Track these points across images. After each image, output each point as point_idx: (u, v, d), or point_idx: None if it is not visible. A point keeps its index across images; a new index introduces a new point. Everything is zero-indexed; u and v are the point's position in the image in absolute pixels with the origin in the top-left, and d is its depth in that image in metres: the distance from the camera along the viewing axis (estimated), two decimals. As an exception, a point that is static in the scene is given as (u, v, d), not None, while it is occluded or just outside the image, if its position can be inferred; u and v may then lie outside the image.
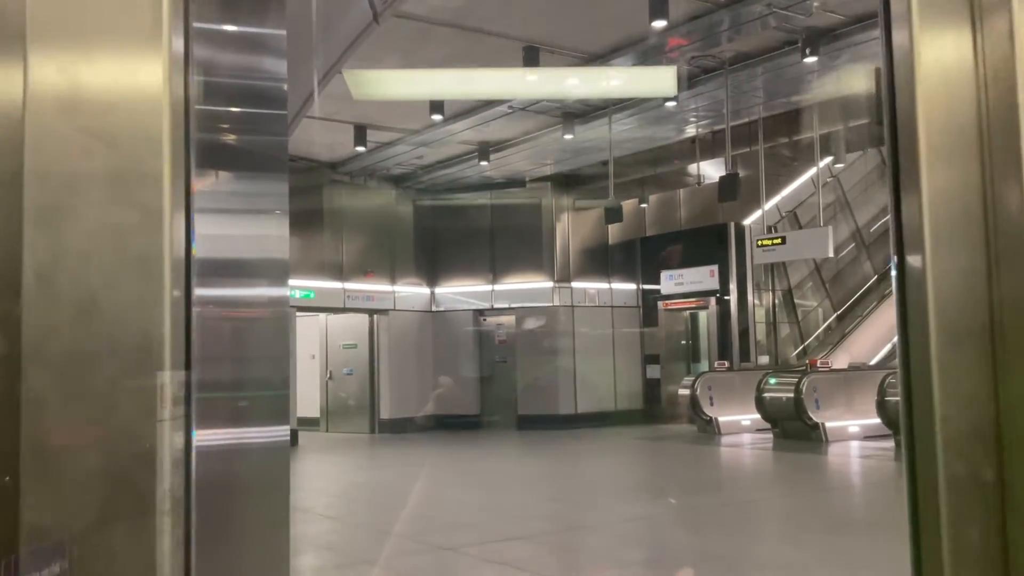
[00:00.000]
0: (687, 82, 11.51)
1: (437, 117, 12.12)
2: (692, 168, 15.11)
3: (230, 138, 1.89)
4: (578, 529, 6.77)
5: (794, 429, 12.82)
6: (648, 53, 10.33)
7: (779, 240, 13.11)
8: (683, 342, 16.92)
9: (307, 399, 15.63)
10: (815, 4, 8.88)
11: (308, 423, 15.70)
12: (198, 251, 1.60)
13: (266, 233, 2.22)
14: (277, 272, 2.31)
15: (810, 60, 10.16)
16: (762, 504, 8.18)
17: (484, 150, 14.20)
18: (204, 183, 1.66)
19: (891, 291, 16.40)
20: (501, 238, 16.41)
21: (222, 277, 1.73)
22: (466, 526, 6.80)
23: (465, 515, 7.43)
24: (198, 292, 1.49)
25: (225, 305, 1.73)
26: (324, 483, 10.31)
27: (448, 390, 15.92)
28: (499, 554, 5.71)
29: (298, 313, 14.77)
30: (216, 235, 1.71)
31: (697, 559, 5.63)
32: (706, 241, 16.21)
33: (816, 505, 7.90)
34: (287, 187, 2.48)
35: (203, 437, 1.63)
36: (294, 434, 13.96)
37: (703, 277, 15.95)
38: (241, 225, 1.97)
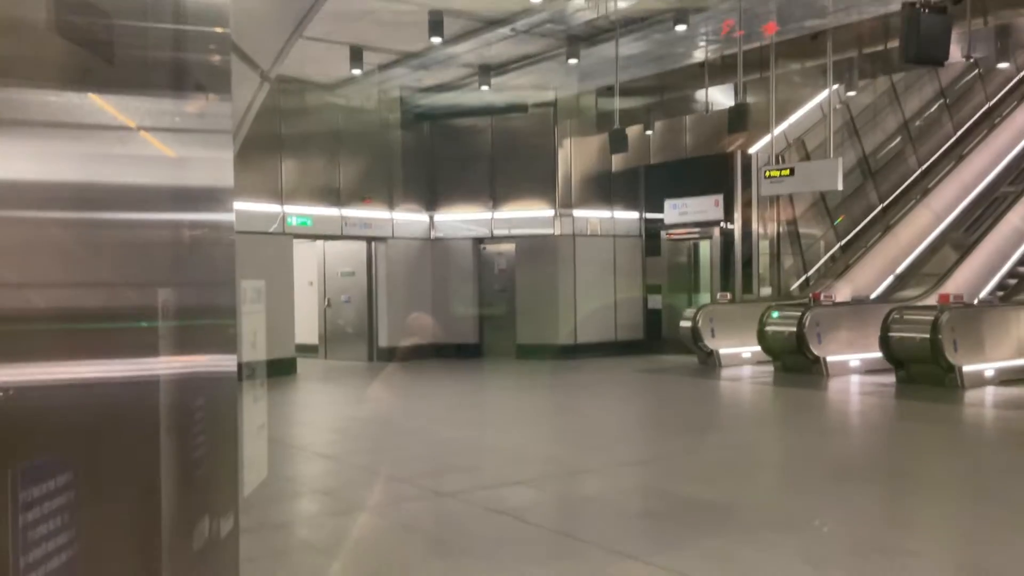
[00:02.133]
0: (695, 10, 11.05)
1: (436, 39, 11.68)
2: (699, 94, 14.68)
3: (145, 54, 1.66)
4: (578, 474, 6.69)
5: (795, 362, 12.76)
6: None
7: (787, 172, 12.79)
8: (685, 273, 16.73)
9: (305, 326, 15.53)
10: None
11: (307, 350, 15.64)
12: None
13: (194, 155, 1.98)
14: (211, 196, 2.08)
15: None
16: (765, 446, 8.12)
17: (485, 74, 13.74)
18: (103, 101, 1.44)
19: (896, 221, 16.22)
20: (502, 164, 16.05)
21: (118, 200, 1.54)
22: (465, 469, 6.71)
23: (464, 456, 7.35)
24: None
25: (123, 229, 1.56)
26: (322, 416, 10.26)
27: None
28: (499, 502, 5.63)
29: (295, 239, 14.54)
30: (118, 155, 1.51)
31: (701, 509, 5.54)
32: (711, 170, 15.86)
33: (820, 448, 7.83)
34: (230, 108, 2.24)
35: (112, 368, 1.49)
36: (292, 362, 13.89)
37: (707, 207, 15.66)
38: (154, 146, 1.75)
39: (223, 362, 2.13)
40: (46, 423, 1.25)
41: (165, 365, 1.74)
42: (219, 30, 2.10)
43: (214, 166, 2.12)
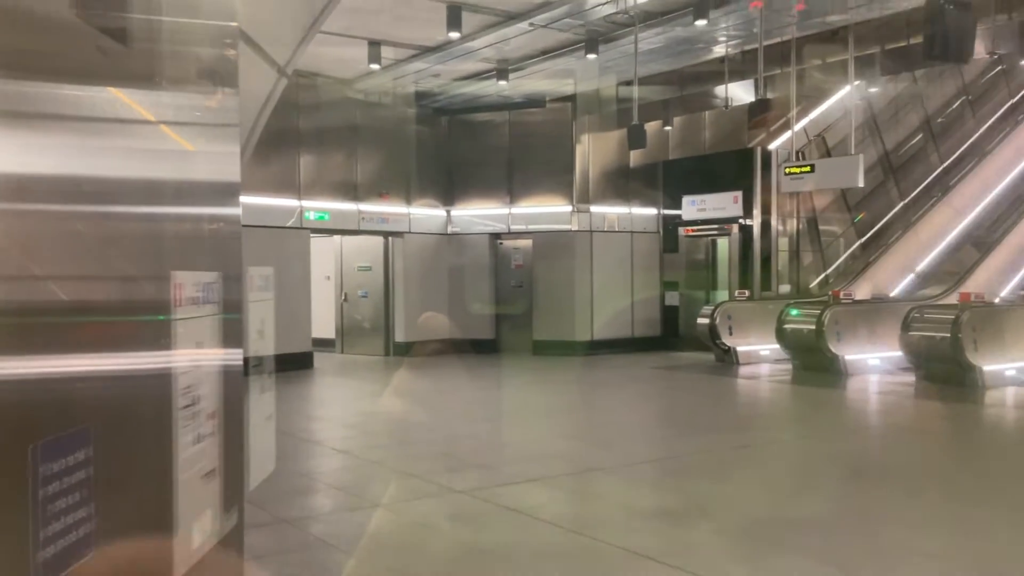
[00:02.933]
0: (715, 1, 10.95)
1: (455, 34, 11.65)
2: (719, 90, 14.57)
3: (156, 46, 1.65)
4: (594, 471, 6.65)
5: (813, 361, 12.65)
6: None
7: (807, 168, 12.67)
8: (703, 269, 16.62)
9: (322, 320, 15.56)
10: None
11: (324, 344, 15.67)
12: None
13: (200, 149, 1.96)
14: (218, 190, 2.06)
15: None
16: (783, 446, 8.05)
17: (503, 69, 13.70)
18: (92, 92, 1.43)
19: (917, 219, 16.05)
20: (520, 159, 16.01)
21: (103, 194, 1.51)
22: (480, 466, 6.69)
23: (480, 453, 7.33)
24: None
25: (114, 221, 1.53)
26: (338, 411, 10.27)
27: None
28: (514, 499, 5.60)
29: (312, 234, 14.56)
30: (112, 147, 1.49)
31: (717, 508, 5.49)
32: (730, 166, 15.75)
33: (839, 449, 7.75)
34: (237, 102, 2.22)
35: (111, 362, 1.49)
36: (309, 356, 13.93)
37: (726, 203, 15.55)
38: (161, 140, 1.73)
39: (230, 356, 2.13)
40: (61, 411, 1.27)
41: (169, 358, 1.73)
42: (229, 23, 2.08)
43: (221, 160, 2.10)
